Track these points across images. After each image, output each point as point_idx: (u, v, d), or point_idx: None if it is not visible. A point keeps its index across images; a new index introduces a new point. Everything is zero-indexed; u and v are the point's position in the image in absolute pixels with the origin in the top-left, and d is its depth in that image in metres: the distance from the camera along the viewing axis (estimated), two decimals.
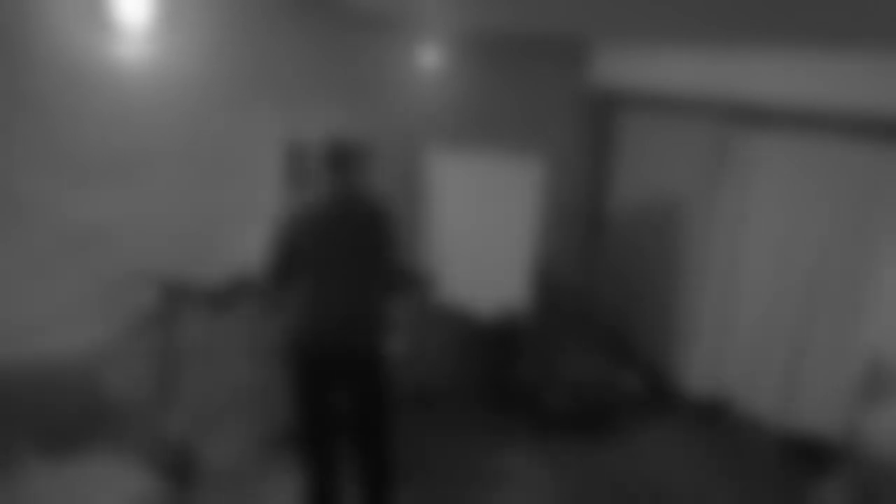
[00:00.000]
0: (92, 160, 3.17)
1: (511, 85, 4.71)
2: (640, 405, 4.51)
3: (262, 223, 3.68)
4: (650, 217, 5.01)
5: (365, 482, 2.99)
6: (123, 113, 3.22)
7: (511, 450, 3.93)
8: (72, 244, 3.17)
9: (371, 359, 2.89)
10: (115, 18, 3.08)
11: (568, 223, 5.21)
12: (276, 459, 3.53)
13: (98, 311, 3.28)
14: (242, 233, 3.66)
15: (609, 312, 5.29)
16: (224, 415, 3.66)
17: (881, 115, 3.47)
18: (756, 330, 4.34)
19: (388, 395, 2.97)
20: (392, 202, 2.92)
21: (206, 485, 3.27)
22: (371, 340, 2.87)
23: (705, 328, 4.64)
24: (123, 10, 3.08)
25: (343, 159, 2.80)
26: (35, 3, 2.88)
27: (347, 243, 2.80)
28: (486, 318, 4.21)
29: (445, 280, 4.18)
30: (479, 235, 4.16)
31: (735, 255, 4.45)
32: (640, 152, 5.11)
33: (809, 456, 3.92)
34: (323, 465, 2.98)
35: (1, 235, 2.99)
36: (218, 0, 3.39)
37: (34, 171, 3.02)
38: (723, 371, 4.56)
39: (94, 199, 3.20)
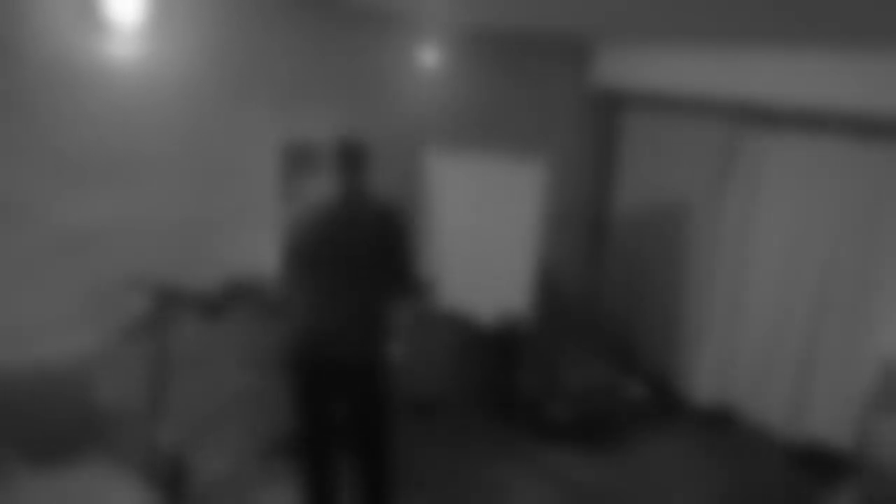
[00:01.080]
0: (84, 162, 3.12)
1: (512, 85, 4.65)
2: (645, 413, 4.46)
3: (259, 226, 3.63)
4: (655, 220, 4.95)
5: (364, 490, 2.94)
6: (117, 113, 3.17)
7: (512, 458, 3.87)
8: (63, 248, 3.12)
9: (372, 366, 2.82)
10: (107, 17, 3.03)
11: (570, 226, 5.16)
12: (272, 468, 3.48)
13: (90, 317, 3.23)
14: (238, 236, 3.61)
15: (613, 318, 5.23)
16: (218, 423, 3.60)
17: (890, 115, 3.42)
18: (764, 335, 4.28)
19: (387, 401, 2.91)
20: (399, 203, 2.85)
21: (200, 495, 3.21)
22: (373, 347, 2.80)
23: (712, 334, 4.58)
24: (116, 9, 3.04)
25: (354, 158, 2.72)
26: (27, 2, 2.83)
27: (354, 246, 2.70)
28: (487, 324, 4.16)
29: (445, 285, 4.13)
30: (480, 239, 4.11)
31: (742, 258, 4.39)
32: (644, 154, 5.05)
33: (819, 465, 3.87)
34: (321, 473, 2.94)
35: None
36: None
37: (25, 173, 2.98)
38: (730, 378, 4.49)
39: (85, 201, 3.15)
